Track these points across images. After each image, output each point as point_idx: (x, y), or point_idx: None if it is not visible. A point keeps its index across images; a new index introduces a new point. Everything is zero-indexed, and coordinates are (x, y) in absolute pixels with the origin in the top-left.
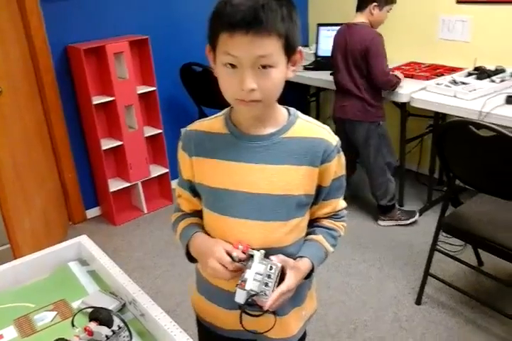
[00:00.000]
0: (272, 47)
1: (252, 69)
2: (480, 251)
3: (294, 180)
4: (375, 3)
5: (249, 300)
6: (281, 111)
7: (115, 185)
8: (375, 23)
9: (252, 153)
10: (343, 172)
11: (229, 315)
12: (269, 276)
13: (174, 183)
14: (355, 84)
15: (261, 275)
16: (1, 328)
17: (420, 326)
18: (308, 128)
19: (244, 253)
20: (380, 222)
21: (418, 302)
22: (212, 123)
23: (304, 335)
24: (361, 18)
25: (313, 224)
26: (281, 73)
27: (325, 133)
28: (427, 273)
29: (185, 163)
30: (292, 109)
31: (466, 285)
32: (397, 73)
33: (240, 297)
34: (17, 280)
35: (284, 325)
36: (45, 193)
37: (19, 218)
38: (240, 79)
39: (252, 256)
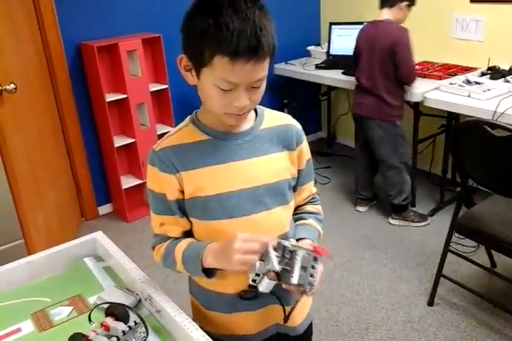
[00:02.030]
0: (266, 67)
1: (246, 89)
2: (493, 252)
3: (281, 165)
4: (406, 2)
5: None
6: None
7: (127, 182)
8: (400, 21)
9: (240, 150)
10: (310, 155)
11: (256, 315)
12: (313, 267)
13: None
14: (374, 82)
15: (306, 267)
16: (18, 322)
17: (432, 327)
18: (276, 117)
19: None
20: (391, 221)
21: (430, 303)
22: (182, 135)
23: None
24: (387, 15)
25: (296, 212)
26: (265, 85)
27: (290, 119)
28: (439, 274)
29: (171, 184)
30: None
31: (479, 287)
32: None
33: (267, 286)
34: (33, 275)
35: (300, 308)
36: (58, 189)
37: (33, 213)
38: (234, 99)
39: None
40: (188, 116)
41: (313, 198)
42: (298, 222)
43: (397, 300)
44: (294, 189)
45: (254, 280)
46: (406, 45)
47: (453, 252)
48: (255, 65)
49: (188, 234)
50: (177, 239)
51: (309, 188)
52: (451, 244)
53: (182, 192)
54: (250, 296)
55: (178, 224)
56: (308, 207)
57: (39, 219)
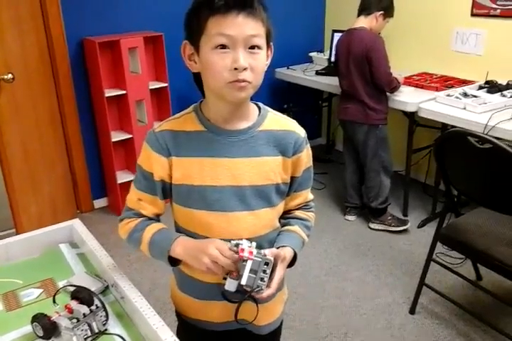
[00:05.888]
0: (260, 28)
1: (244, 50)
2: (480, 265)
3: (272, 169)
4: (382, 12)
5: (241, 289)
6: (252, 106)
7: (123, 177)
8: (375, 30)
9: (232, 148)
10: (311, 163)
11: (222, 306)
12: (264, 271)
13: None
14: (355, 88)
15: (256, 270)
16: None
17: (412, 335)
18: (279, 121)
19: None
20: (371, 225)
21: (412, 311)
22: (183, 121)
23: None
24: (362, 23)
25: (286, 216)
26: (265, 58)
27: (294, 126)
28: (422, 283)
29: (162, 165)
30: (260, 104)
31: (462, 299)
32: (397, 76)
33: (231, 285)
34: (9, 257)
35: (270, 310)
36: (54, 181)
37: (26, 203)
38: (233, 59)
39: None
40: (193, 104)
41: (306, 205)
42: (283, 228)
43: (379, 307)
44: (288, 194)
45: (224, 278)
46: (379, 51)
47: (437, 262)
48: (247, 19)
49: (158, 219)
50: (150, 219)
51: (304, 195)
52: (439, 254)
53: (170, 176)
54: (233, 299)
55: (155, 204)
56: (298, 213)
57: (32, 208)
